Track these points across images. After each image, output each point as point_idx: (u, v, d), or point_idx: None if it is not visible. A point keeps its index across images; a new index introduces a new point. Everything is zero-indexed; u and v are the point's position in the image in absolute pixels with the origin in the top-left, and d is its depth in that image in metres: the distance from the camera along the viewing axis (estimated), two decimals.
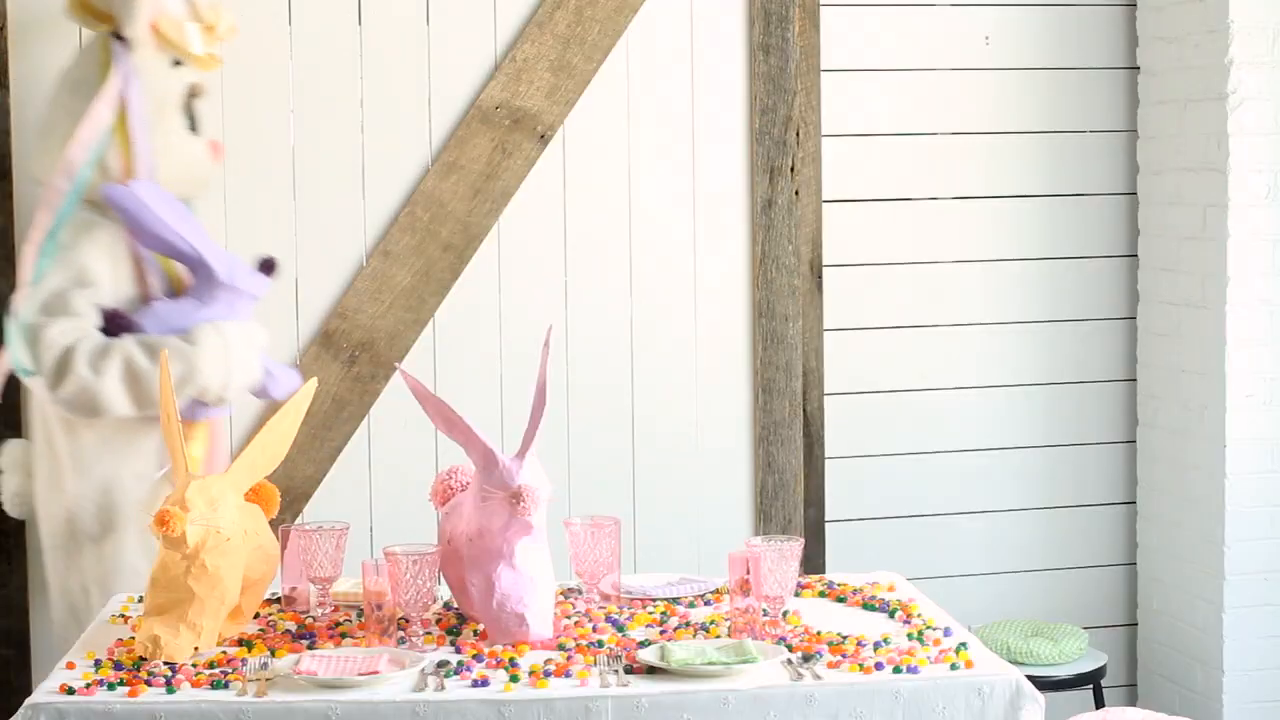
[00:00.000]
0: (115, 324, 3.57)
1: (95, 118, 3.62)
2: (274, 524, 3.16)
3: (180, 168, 3.74)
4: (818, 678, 2.80)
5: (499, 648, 2.95)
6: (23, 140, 4.04)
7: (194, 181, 3.81)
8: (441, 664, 2.85)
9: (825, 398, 4.49)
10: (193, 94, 3.79)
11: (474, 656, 2.90)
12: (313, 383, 3.18)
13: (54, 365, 3.53)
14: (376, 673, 2.77)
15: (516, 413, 4.25)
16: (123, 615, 3.20)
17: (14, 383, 3.95)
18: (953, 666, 2.86)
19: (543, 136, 4.28)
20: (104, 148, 3.65)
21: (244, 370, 3.66)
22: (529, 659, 2.89)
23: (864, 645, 2.96)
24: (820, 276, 4.46)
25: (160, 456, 3.68)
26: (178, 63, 3.74)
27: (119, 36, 3.69)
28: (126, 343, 3.54)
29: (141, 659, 2.88)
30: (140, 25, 3.66)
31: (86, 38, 3.83)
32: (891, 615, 3.20)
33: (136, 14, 3.65)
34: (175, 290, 3.70)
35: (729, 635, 3.02)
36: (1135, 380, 4.67)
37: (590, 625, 3.10)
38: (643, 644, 2.96)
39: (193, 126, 3.79)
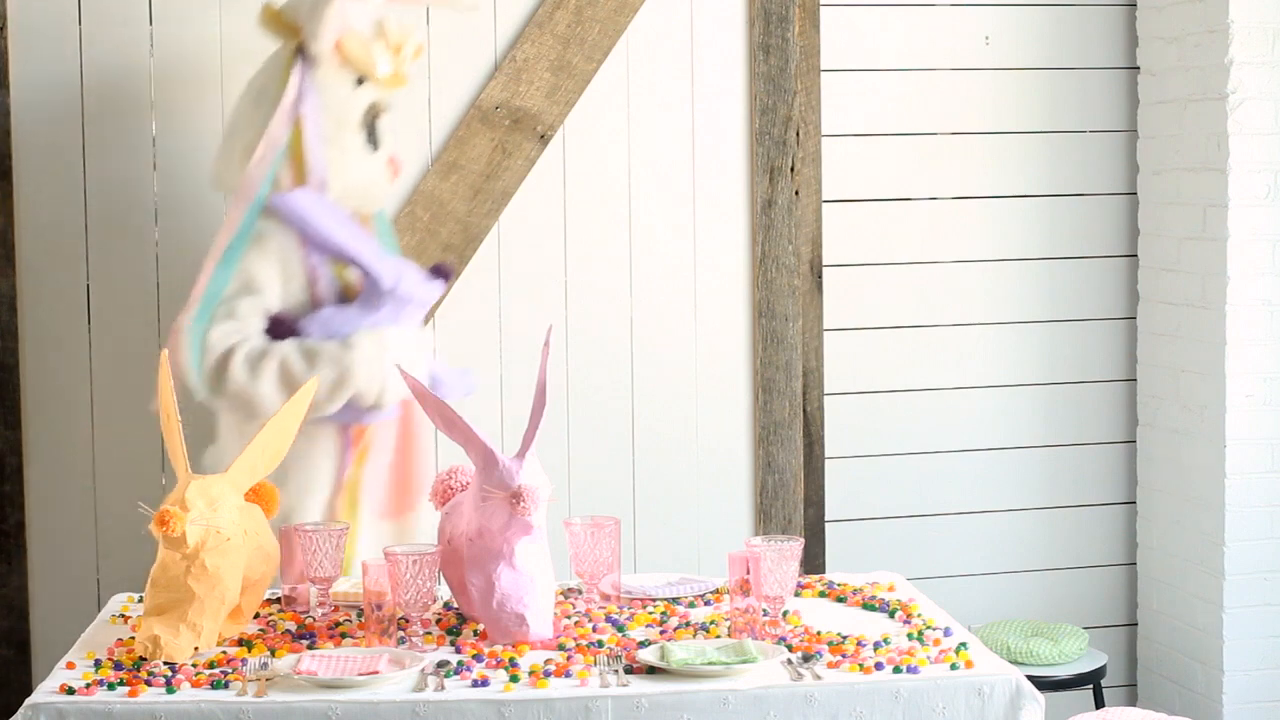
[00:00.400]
0: (280, 329, 3.57)
1: (273, 136, 3.61)
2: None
3: (354, 185, 3.72)
4: (818, 678, 2.80)
5: (499, 648, 2.95)
6: (23, 140, 4.04)
7: (367, 198, 3.77)
8: (441, 664, 2.85)
9: (825, 398, 4.49)
10: (373, 113, 3.75)
11: (474, 656, 2.90)
12: (313, 382, 3.18)
13: (213, 367, 3.53)
14: (376, 673, 2.77)
15: (516, 413, 4.26)
16: (123, 615, 3.20)
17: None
18: (953, 666, 2.86)
19: (543, 136, 4.28)
20: (279, 162, 3.63)
21: None
22: (529, 659, 2.89)
23: (864, 645, 2.96)
24: (820, 276, 4.46)
25: (335, 465, 3.65)
26: (361, 80, 3.70)
27: (304, 51, 3.66)
28: (285, 346, 3.54)
29: (141, 659, 2.88)
30: (326, 42, 3.63)
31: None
32: (891, 615, 3.20)
33: (323, 31, 3.62)
34: (348, 297, 3.68)
35: (729, 635, 3.02)
36: (1135, 380, 4.67)
37: (590, 625, 3.09)
38: (643, 644, 2.96)
39: (373, 143, 3.75)
